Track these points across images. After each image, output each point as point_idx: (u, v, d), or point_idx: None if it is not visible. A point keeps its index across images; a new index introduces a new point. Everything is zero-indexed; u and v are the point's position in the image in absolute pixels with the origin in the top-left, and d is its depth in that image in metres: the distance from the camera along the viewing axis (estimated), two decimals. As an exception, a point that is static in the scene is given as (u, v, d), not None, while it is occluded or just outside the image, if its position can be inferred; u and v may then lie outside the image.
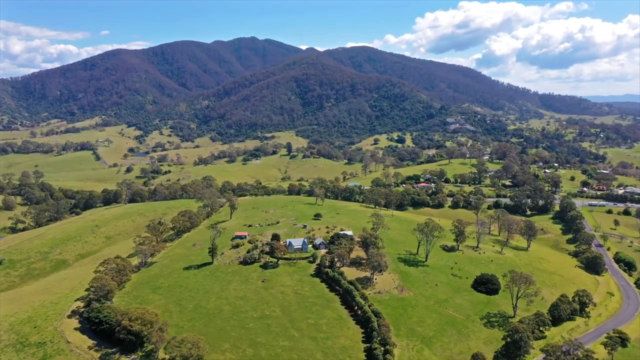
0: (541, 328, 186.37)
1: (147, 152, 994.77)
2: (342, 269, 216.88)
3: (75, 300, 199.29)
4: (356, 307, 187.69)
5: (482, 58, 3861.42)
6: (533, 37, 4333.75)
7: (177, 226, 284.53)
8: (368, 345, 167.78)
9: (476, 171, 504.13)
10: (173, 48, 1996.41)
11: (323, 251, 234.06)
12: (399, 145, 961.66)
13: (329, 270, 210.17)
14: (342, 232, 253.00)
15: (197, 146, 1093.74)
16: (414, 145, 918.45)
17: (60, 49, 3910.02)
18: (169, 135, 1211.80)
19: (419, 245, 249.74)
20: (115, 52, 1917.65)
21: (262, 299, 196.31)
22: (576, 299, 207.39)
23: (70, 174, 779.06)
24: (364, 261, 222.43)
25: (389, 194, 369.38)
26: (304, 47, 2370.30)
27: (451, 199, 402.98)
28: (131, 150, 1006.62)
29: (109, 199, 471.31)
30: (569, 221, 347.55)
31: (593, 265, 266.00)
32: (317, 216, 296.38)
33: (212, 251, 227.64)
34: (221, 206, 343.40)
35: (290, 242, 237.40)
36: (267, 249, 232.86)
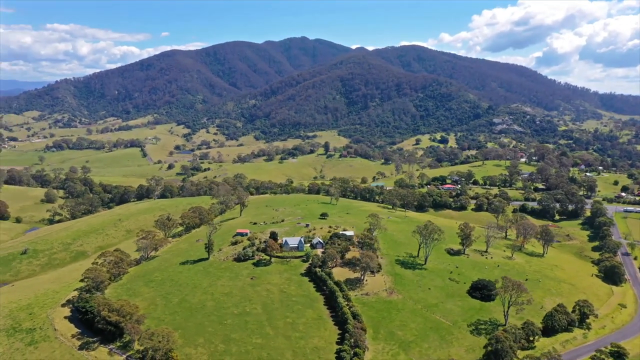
0: (531, 338, 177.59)
1: (192, 150, 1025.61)
2: (336, 269, 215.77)
3: (74, 290, 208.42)
4: (337, 308, 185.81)
5: (543, 56, 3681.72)
6: (598, 34, 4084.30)
7: (186, 222, 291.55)
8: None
9: (507, 173, 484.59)
10: (225, 48, 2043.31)
11: (319, 250, 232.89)
12: (441, 145, 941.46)
13: (317, 269, 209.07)
14: (341, 232, 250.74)
15: (241, 144, 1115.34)
16: (455, 146, 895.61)
17: (123, 50, 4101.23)
18: (215, 134, 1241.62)
19: (419, 248, 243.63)
20: (170, 52, 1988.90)
21: (247, 296, 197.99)
22: (576, 309, 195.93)
23: (117, 169, 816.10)
24: (359, 262, 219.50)
25: (407, 195, 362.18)
26: (354, 47, 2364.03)
27: (475, 201, 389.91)
28: (177, 147, 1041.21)
29: (142, 194, 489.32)
30: (597, 227, 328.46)
31: (611, 275, 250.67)
32: (324, 215, 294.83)
33: (208, 247, 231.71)
34: (236, 203, 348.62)
35: (286, 241, 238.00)
36: (263, 246, 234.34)
